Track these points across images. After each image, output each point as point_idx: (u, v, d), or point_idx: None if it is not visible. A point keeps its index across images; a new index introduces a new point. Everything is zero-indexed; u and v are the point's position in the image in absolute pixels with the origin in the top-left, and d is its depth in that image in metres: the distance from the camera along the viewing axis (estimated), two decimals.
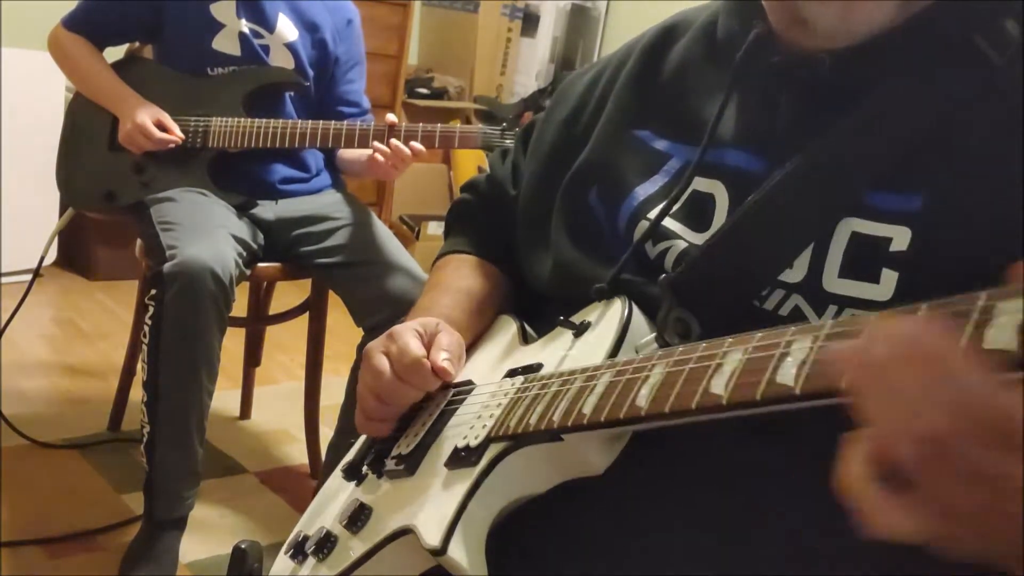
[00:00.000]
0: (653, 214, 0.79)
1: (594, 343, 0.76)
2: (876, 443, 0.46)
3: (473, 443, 0.73)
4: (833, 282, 0.70)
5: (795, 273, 0.71)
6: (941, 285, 0.62)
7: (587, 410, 0.65)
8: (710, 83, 0.82)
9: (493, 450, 0.71)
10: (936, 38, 0.70)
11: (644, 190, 0.82)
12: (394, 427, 0.85)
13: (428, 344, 0.84)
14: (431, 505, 0.72)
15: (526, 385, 0.75)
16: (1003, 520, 0.45)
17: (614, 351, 0.73)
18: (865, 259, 0.69)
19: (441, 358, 0.82)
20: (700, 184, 0.78)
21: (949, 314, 0.47)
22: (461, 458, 0.73)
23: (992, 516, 0.45)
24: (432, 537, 0.67)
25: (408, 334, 0.84)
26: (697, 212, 0.78)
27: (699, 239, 0.77)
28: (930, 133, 0.69)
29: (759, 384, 0.54)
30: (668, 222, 0.79)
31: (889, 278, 0.68)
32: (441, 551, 0.66)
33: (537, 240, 0.91)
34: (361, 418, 0.86)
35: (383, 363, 0.83)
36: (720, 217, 0.77)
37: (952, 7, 0.70)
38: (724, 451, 0.68)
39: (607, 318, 0.77)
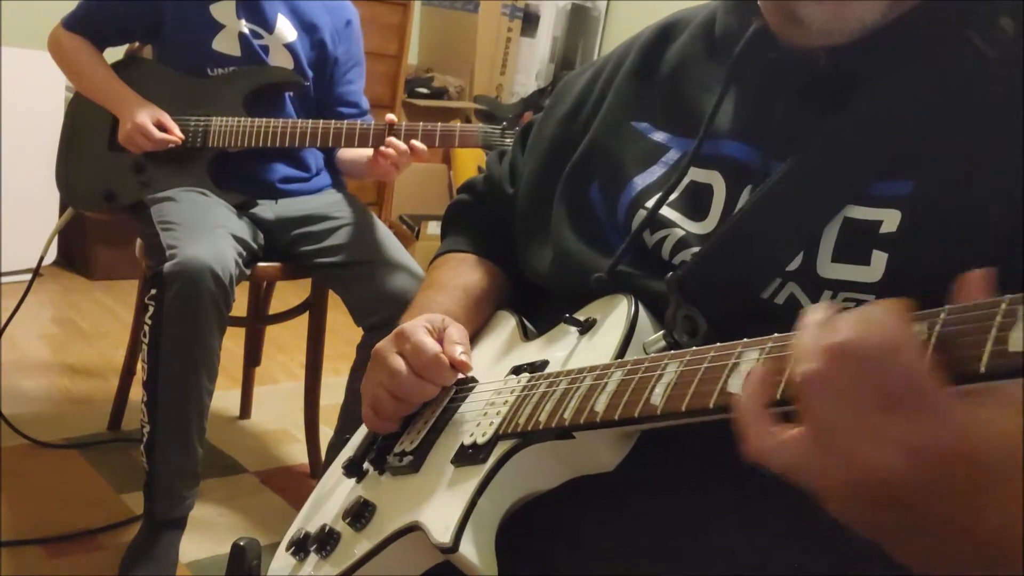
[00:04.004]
0: (651, 203, 0.80)
1: (600, 341, 0.76)
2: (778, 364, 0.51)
3: (481, 440, 0.73)
4: (827, 267, 0.71)
5: (792, 261, 0.72)
6: (929, 265, 0.63)
7: (599, 408, 0.65)
8: (708, 77, 0.83)
9: (502, 447, 0.71)
10: (930, 33, 0.71)
11: (642, 180, 0.83)
12: (400, 423, 0.85)
13: (439, 339, 0.85)
14: (439, 502, 0.72)
15: (533, 382, 0.75)
16: (864, 469, 0.47)
17: (622, 349, 0.73)
18: (856, 242, 0.70)
19: (458, 352, 0.83)
20: (698, 175, 0.79)
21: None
22: (468, 455, 0.73)
23: (855, 460, 0.48)
24: (442, 534, 0.67)
25: (420, 331, 0.84)
26: (695, 202, 0.79)
27: (697, 228, 0.78)
28: (924, 122, 0.70)
29: (779, 384, 0.55)
30: (666, 211, 0.79)
31: (879, 259, 0.69)
32: (452, 548, 0.66)
33: (537, 232, 0.92)
34: (373, 416, 0.86)
35: (399, 362, 0.83)
36: (717, 207, 0.77)
37: (946, 4, 0.71)
38: (734, 448, 0.68)
39: (613, 316, 0.77)
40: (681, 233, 0.78)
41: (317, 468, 2.20)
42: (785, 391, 0.53)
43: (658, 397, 0.62)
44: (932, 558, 0.51)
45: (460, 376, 0.84)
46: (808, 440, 0.50)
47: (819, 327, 0.50)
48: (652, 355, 0.67)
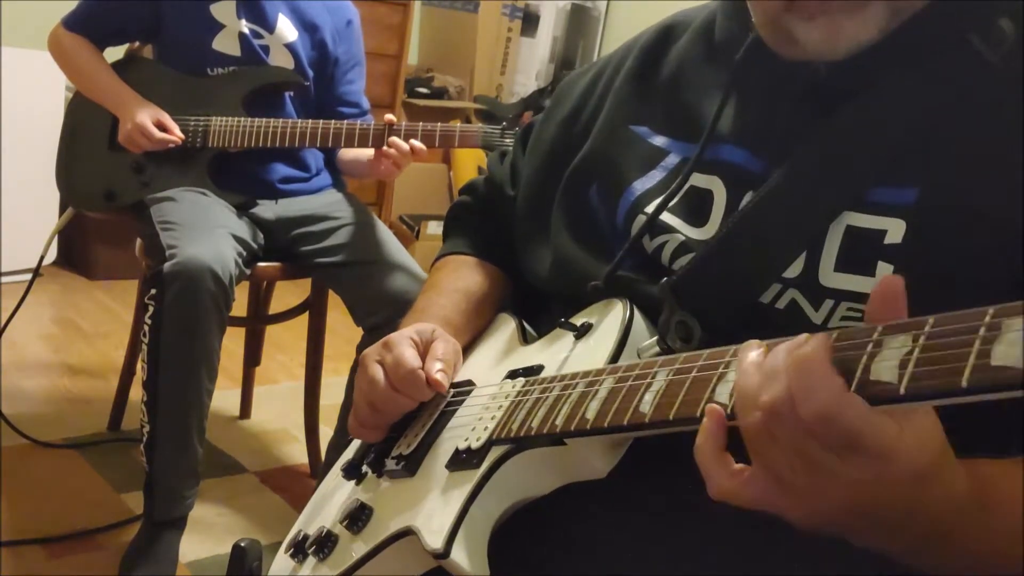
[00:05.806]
0: (651, 208, 0.79)
1: (595, 346, 0.76)
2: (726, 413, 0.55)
3: (475, 445, 0.73)
4: (829, 276, 0.70)
5: (792, 268, 0.71)
6: (935, 276, 0.62)
7: (590, 415, 0.65)
8: (708, 82, 0.82)
9: (495, 453, 0.71)
10: (931, 38, 0.70)
11: (642, 184, 0.82)
12: (386, 433, 0.85)
13: (423, 352, 0.84)
14: (432, 507, 0.72)
15: (527, 387, 0.75)
16: (824, 501, 0.52)
17: (616, 354, 0.73)
18: (860, 252, 0.69)
19: (436, 369, 0.82)
20: (698, 180, 0.79)
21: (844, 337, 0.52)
22: (462, 460, 0.73)
23: (815, 496, 0.52)
24: (435, 540, 0.67)
25: (403, 343, 0.84)
26: (695, 207, 0.78)
27: (697, 233, 0.77)
28: (926, 128, 0.69)
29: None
30: (666, 216, 0.79)
31: (884, 270, 0.68)
32: (444, 554, 0.66)
33: (537, 236, 0.91)
34: (354, 423, 0.86)
35: (378, 372, 0.83)
36: (718, 213, 0.77)
37: (946, 7, 0.70)
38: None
39: (608, 320, 0.77)
40: (681, 239, 0.77)
41: (317, 468, 2.20)
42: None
43: (647, 406, 0.62)
44: (886, 542, 0.57)
45: (435, 393, 0.83)
46: (764, 480, 0.54)
47: (756, 372, 0.54)
48: (644, 362, 0.67)
